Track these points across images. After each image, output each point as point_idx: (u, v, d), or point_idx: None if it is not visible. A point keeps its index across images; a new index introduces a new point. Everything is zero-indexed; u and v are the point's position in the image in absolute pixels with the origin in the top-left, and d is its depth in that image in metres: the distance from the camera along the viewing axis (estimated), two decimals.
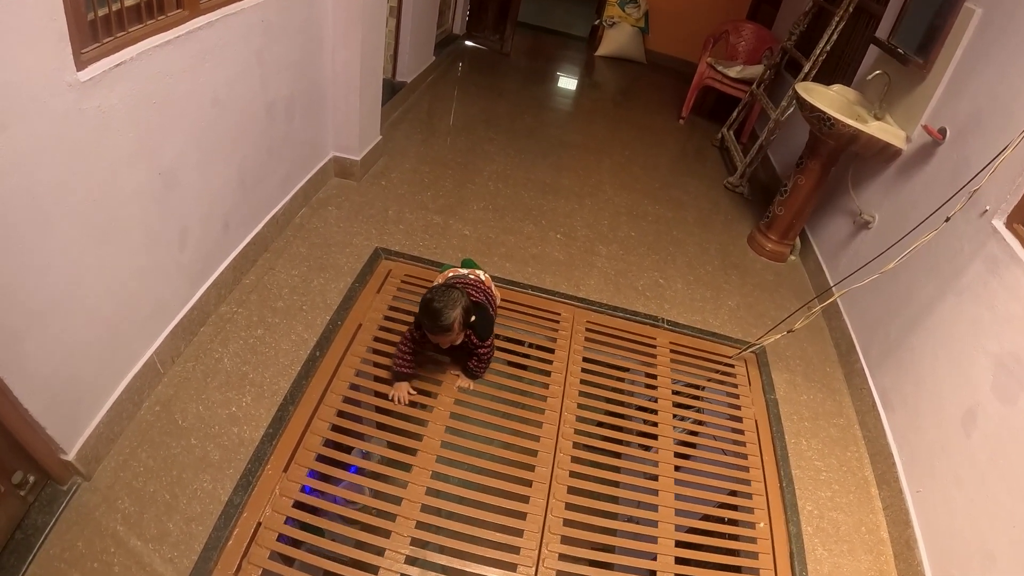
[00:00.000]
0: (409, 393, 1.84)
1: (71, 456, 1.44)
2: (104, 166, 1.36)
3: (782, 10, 4.32)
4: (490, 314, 1.88)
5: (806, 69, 3.06)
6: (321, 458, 1.68)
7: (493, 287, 2.08)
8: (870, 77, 2.56)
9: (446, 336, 1.70)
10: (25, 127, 1.12)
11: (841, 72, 3.20)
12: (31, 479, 1.40)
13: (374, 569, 1.47)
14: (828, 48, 3.00)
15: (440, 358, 1.99)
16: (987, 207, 1.84)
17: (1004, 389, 1.59)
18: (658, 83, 5.15)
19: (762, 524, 1.80)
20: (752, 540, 1.76)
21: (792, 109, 3.16)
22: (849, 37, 3.15)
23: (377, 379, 1.90)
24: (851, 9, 2.87)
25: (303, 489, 1.61)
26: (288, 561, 1.48)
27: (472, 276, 1.99)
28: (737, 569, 1.72)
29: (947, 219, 1.88)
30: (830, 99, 2.68)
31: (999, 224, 1.78)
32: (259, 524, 1.49)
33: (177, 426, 1.66)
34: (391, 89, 3.42)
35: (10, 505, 1.36)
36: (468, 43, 4.80)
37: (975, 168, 1.89)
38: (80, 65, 1.22)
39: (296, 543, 1.51)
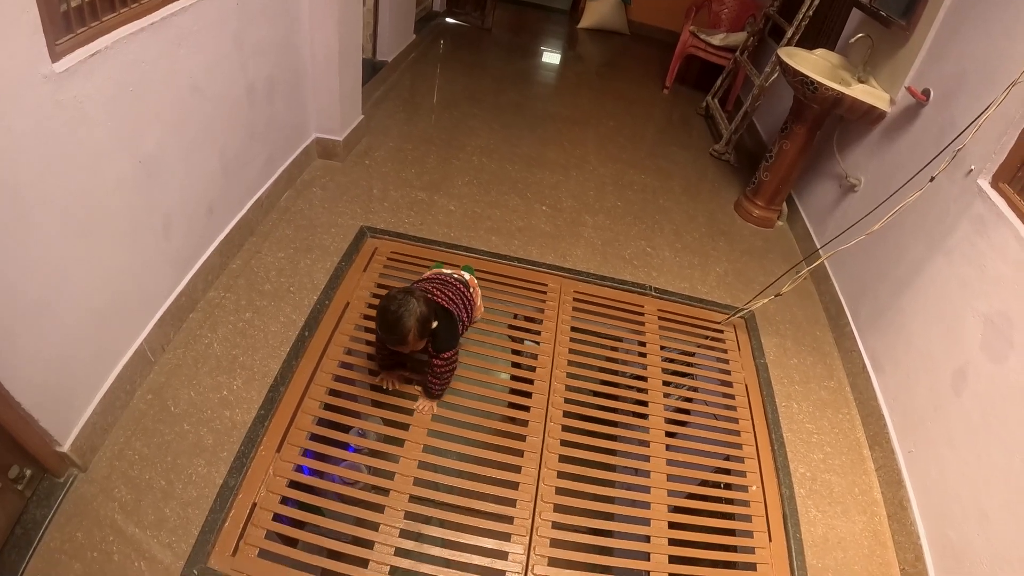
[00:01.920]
0: (399, 379, 1.83)
1: (66, 448, 1.44)
2: (84, 157, 1.35)
3: None
4: (455, 324, 1.71)
5: (789, 34, 3.04)
6: (314, 437, 1.69)
7: (479, 296, 1.99)
8: (853, 40, 2.54)
9: (402, 347, 1.58)
10: (1, 122, 1.10)
11: (825, 37, 3.18)
12: (28, 473, 1.40)
13: (369, 544, 1.48)
14: (811, 13, 2.99)
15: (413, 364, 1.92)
16: (972, 167, 1.84)
17: (993, 348, 1.61)
18: (642, 54, 5.10)
19: (755, 487, 1.82)
20: (745, 503, 1.78)
21: (776, 75, 3.15)
22: (832, 2, 3.12)
23: (369, 357, 1.90)
24: None
25: (300, 469, 1.62)
26: (285, 540, 1.50)
27: (456, 276, 1.90)
28: (731, 532, 1.74)
29: (932, 179, 1.88)
30: (813, 63, 2.66)
31: (984, 184, 1.79)
32: (255, 505, 1.50)
33: (170, 413, 1.66)
34: (372, 68, 3.38)
35: (8, 501, 1.36)
36: (449, 20, 4.73)
37: (960, 128, 1.88)
38: (55, 56, 1.21)
39: (294, 523, 1.52)
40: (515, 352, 2.04)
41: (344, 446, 1.71)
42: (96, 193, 1.42)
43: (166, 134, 1.65)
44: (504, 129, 3.38)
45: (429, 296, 1.66)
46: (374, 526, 1.51)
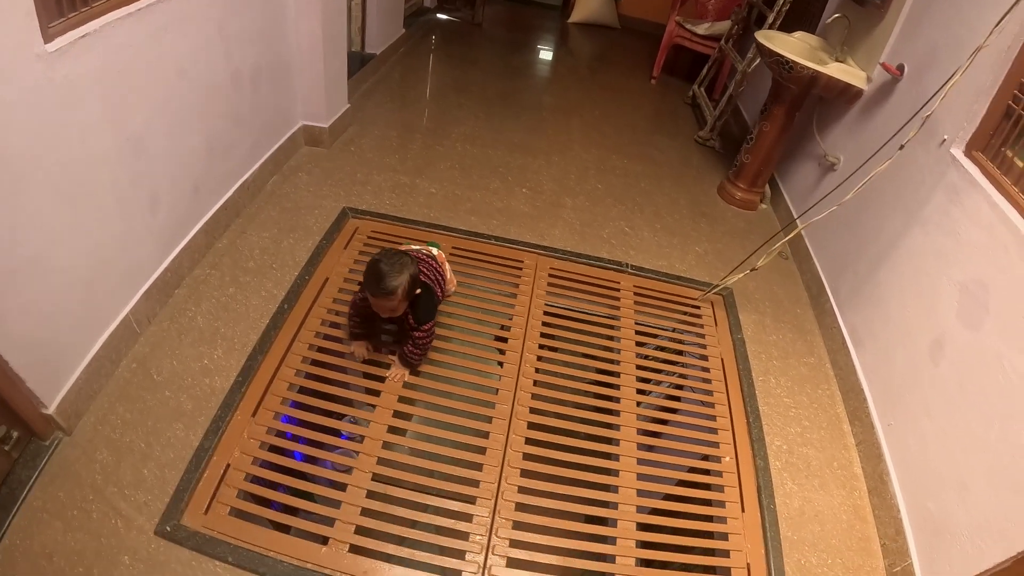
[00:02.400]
0: (368, 349, 1.86)
1: (51, 410, 1.50)
2: (73, 131, 1.43)
3: None
4: (435, 297, 1.77)
5: (770, 19, 3.08)
6: (295, 404, 1.74)
7: (448, 270, 2.02)
8: (829, 20, 2.58)
9: (387, 301, 1.59)
10: None
11: (807, 21, 3.21)
12: (15, 435, 1.45)
13: (336, 504, 1.53)
14: None
15: (385, 336, 1.95)
16: (945, 137, 1.86)
17: (969, 315, 1.61)
18: (631, 47, 5.15)
19: (728, 458, 1.83)
20: (718, 474, 1.78)
21: (759, 61, 3.19)
22: None
23: (343, 327, 1.95)
24: None
25: (284, 434, 1.67)
26: (257, 500, 1.55)
27: (424, 252, 1.91)
28: (707, 503, 1.75)
29: (901, 147, 1.90)
30: (792, 45, 2.70)
31: (958, 153, 1.80)
32: (228, 466, 1.55)
33: (153, 381, 1.72)
34: (360, 61, 3.45)
35: None
36: (440, 16, 4.81)
37: (936, 100, 1.90)
38: (48, 38, 1.29)
39: (268, 485, 1.57)
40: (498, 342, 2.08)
41: (337, 433, 1.71)
42: (84, 167, 1.49)
43: (152, 114, 1.72)
44: (489, 118, 3.43)
45: None
46: (341, 487, 1.56)
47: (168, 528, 1.41)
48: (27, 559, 1.32)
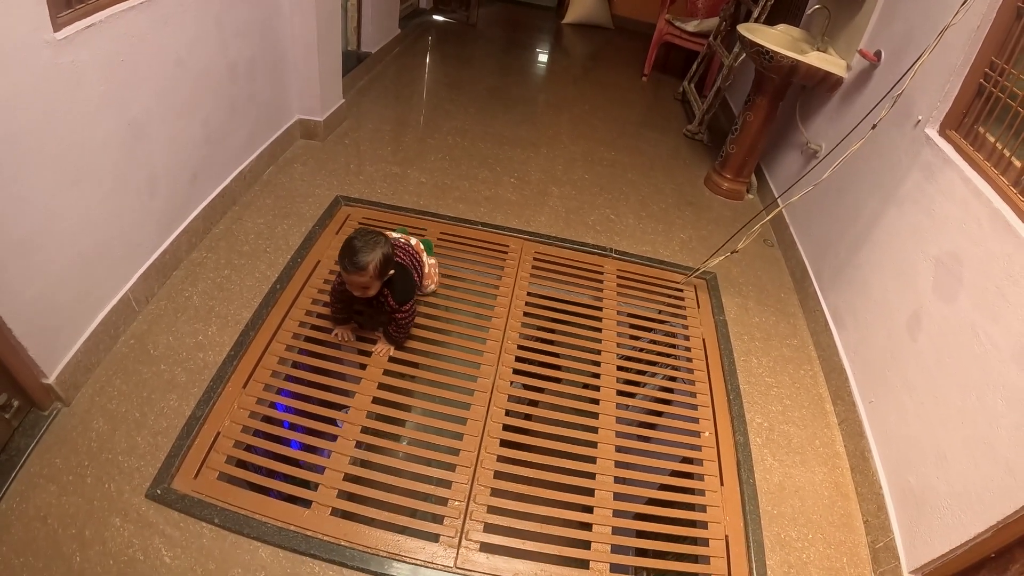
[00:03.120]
0: (353, 330, 1.92)
1: (51, 380, 1.57)
2: (77, 114, 1.51)
3: None
4: (412, 278, 1.83)
5: (756, 14, 3.14)
6: (290, 378, 1.80)
7: (426, 259, 2.05)
8: (810, 11, 2.65)
9: (360, 277, 1.61)
10: (7, 77, 1.27)
11: (792, 14, 3.28)
12: (15, 403, 1.52)
13: (320, 469, 1.59)
14: None
15: (361, 320, 1.98)
16: (920, 117, 1.91)
17: (944, 288, 1.65)
18: (624, 46, 5.23)
19: (707, 434, 1.87)
20: (697, 448, 1.82)
21: (744, 54, 3.25)
22: None
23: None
24: None
25: (275, 405, 1.73)
26: (245, 466, 1.61)
27: (403, 240, 1.96)
28: (686, 475, 1.79)
29: (873, 126, 1.95)
30: (775, 37, 2.76)
31: (932, 132, 1.85)
32: (218, 434, 1.62)
33: (149, 355, 1.79)
34: (356, 59, 3.54)
35: None
36: (436, 17, 4.90)
37: (908, 82, 1.96)
38: (56, 27, 1.38)
39: (258, 451, 1.63)
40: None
41: (332, 422, 1.75)
42: (87, 147, 1.57)
43: (152, 101, 1.81)
44: (480, 112, 3.52)
45: None
46: (326, 453, 1.62)
47: (158, 491, 1.47)
48: (22, 521, 1.38)
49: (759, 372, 2.12)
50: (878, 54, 2.27)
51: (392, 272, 1.69)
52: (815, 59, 2.51)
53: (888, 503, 1.66)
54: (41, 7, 1.33)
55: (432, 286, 2.12)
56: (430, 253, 2.15)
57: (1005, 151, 1.59)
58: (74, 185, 1.55)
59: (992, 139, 1.65)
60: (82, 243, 1.63)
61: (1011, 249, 1.44)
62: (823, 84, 2.56)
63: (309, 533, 1.44)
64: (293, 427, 1.70)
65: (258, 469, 1.61)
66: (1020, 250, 1.41)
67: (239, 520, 1.45)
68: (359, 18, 3.54)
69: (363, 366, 1.85)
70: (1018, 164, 1.54)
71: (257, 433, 1.65)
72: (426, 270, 2.04)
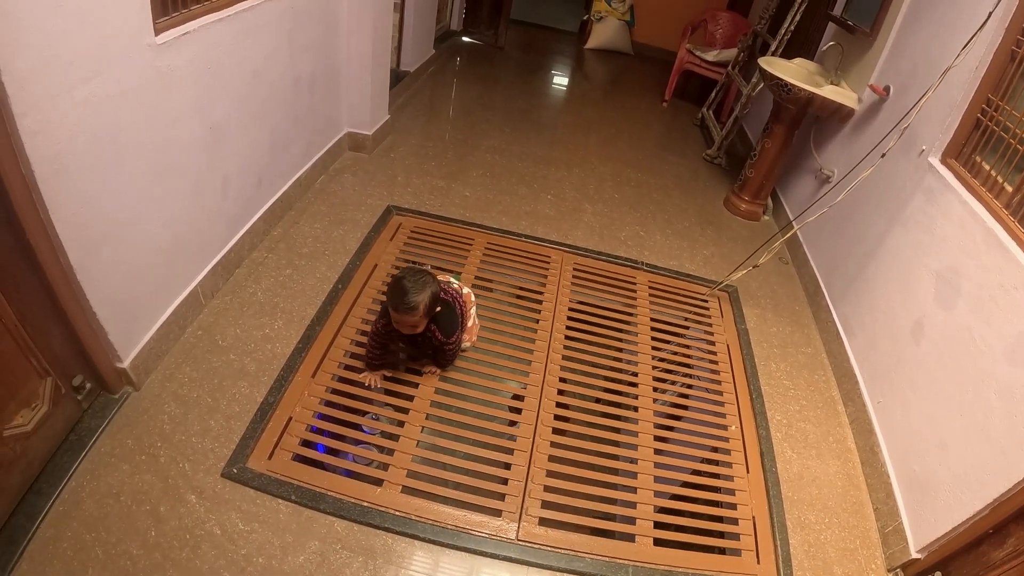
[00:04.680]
0: (382, 377, 1.93)
1: (126, 364, 1.67)
2: (169, 114, 1.66)
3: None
4: (456, 313, 1.85)
5: (773, 47, 3.37)
6: (343, 374, 1.96)
7: (470, 302, 2.05)
8: (824, 48, 2.87)
9: (410, 316, 1.66)
10: (115, 74, 1.41)
11: (807, 49, 3.50)
12: (88, 385, 1.59)
13: (391, 452, 1.74)
14: (792, 28, 3.31)
15: (405, 356, 2.02)
16: (923, 147, 2.11)
17: (944, 298, 1.83)
18: (644, 72, 5.47)
19: (733, 427, 2.05)
20: (724, 440, 1.99)
21: (761, 85, 3.47)
22: (813, 17, 3.46)
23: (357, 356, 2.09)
24: None
25: (310, 428, 1.80)
26: (315, 447, 1.74)
27: (456, 285, 1.99)
28: (714, 463, 1.96)
29: (883, 155, 2.16)
30: (792, 70, 2.98)
31: (935, 161, 2.05)
32: (290, 419, 1.74)
33: (217, 345, 1.91)
34: (396, 77, 3.74)
35: (68, 407, 1.56)
36: (465, 39, 5.13)
37: (914, 115, 2.15)
38: (157, 31, 1.53)
39: (329, 435, 1.76)
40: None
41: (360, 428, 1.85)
42: (175, 147, 1.72)
43: (231, 107, 1.98)
44: (514, 132, 3.72)
45: None
46: (395, 437, 1.77)
47: (235, 470, 1.57)
48: (93, 498, 1.45)
49: (778, 376, 2.30)
50: (887, 89, 2.48)
51: (439, 309, 1.75)
52: (829, 92, 2.72)
53: (896, 491, 1.83)
54: (145, 12, 1.46)
55: (468, 344, 2.07)
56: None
57: (998, 178, 1.79)
58: (161, 183, 1.69)
59: (987, 167, 1.85)
60: (163, 236, 1.76)
61: (1002, 262, 1.64)
62: (836, 115, 2.77)
63: (382, 508, 1.56)
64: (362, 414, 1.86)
65: (331, 452, 1.76)
66: (1010, 263, 1.61)
67: (314, 496, 1.55)
68: (399, 38, 3.75)
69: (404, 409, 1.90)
70: (1009, 189, 1.74)
71: (326, 419, 1.79)
72: (469, 323, 2.04)
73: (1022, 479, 1.40)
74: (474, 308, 2.07)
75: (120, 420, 1.65)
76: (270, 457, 1.64)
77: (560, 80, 5.07)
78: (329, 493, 1.58)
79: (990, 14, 1.86)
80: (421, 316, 1.66)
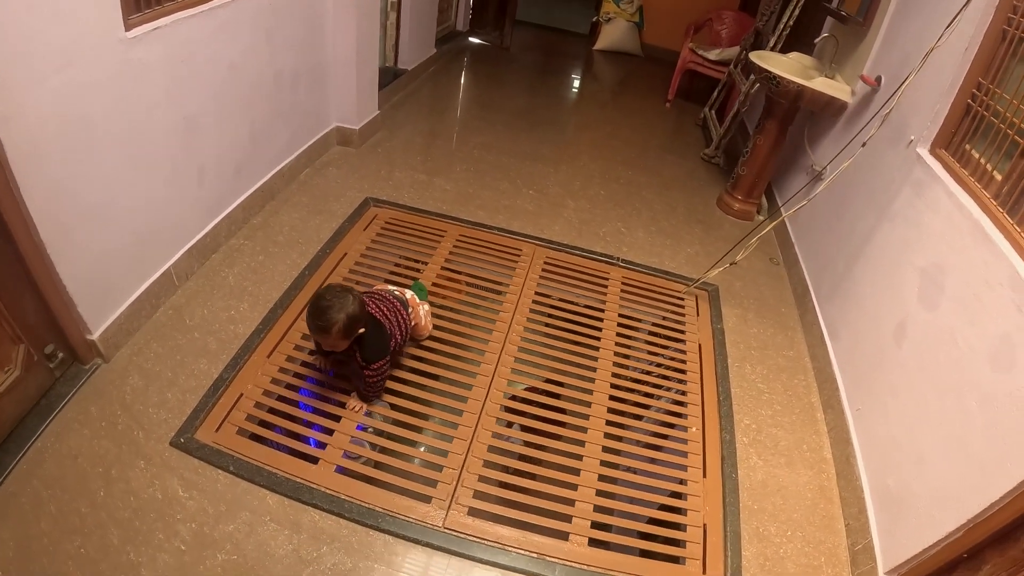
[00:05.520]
0: (334, 360, 1.89)
1: (95, 336, 1.77)
2: (141, 105, 1.75)
3: None
4: (383, 335, 1.73)
5: (771, 43, 3.29)
6: (299, 356, 1.99)
7: (423, 314, 2.00)
8: (818, 40, 2.78)
9: (323, 337, 1.60)
10: (86, 65, 1.51)
11: (807, 44, 3.41)
12: (60, 355, 1.70)
13: (336, 418, 1.77)
14: (791, 23, 3.23)
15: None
16: (912, 137, 2.01)
17: (928, 297, 1.73)
18: (652, 73, 5.41)
19: (694, 429, 1.97)
20: (683, 441, 1.92)
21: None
22: (813, 13, 3.36)
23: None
24: None
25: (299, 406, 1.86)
26: (263, 425, 1.77)
27: (397, 293, 1.92)
28: (669, 464, 1.87)
29: (863, 144, 2.08)
30: (786, 64, 2.90)
31: (923, 152, 1.95)
32: (241, 395, 1.79)
33: (185, 324, 2.00)
34: (393, 75, 3.81)
35: (40, 374, 1.66)
36: (472, 39, 5.18)
37: (903, 104, 2.06)
38: (128, 27, 1.62)
39: (275, 413, 1.79)
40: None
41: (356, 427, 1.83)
42: (148, 136, 1.81)
43: (207, 100, 2.05)
44: (506, 130, 3.73)
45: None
46: (336, 418, 1.79)
47: (182, 440, 1.63)
48: (55, 459, 1.55)
49: (752, 378, 2.21)
50: (879, 79, 2.39)
51: (362, 331, 1.64)
52: (820, 84, 2.63)
53: (868, 506, 1.71)
54: (115, 9, 1.56)
55: (425, 333, 2.05)
56: (423, 298, 2.08)
57: (988, 166, 1.68)
58: (133, 169, 1.78)
59: (977, 155, 1.74)
60: (135, 219, 1.85)
61: (989, 257, 1.52)
62: (828, 108, 2.68)
63: (313, 485, 1.59)
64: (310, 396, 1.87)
65: (274, 428, 1.78)
66: (997, 257, 1.49)
67: (252, 469, 1.60)
68: (397, 36, 3.80)
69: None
70: (999, 177, 1.63)
71: (276, 397, 1.82)
72: (423, 321, 2.00)
73: (1000, 499, 1.27)
74: (424, 306, 2.05)
75: (88, 389, 1.75)
76: (217, 430, 1.70)
77: (563, 80, 5.06)
78: (266, 467, 1.62)
79: None
80: (335, 338, 1.58)
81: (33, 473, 1.51)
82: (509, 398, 1.96)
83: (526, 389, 2.04)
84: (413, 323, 1.95)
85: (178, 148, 1.97)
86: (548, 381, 2.04)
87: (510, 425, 1.99)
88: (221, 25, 2.02)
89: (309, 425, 1.79)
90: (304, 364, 1.94)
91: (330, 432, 1.74)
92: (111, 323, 1.83)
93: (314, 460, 1.66)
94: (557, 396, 1.99)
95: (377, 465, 1.70)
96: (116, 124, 1.66)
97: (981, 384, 1.44)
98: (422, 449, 1.77)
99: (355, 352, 1.69)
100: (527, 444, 1.81)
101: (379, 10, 3.03)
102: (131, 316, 1.91)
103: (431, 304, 2.16)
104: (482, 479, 1.68)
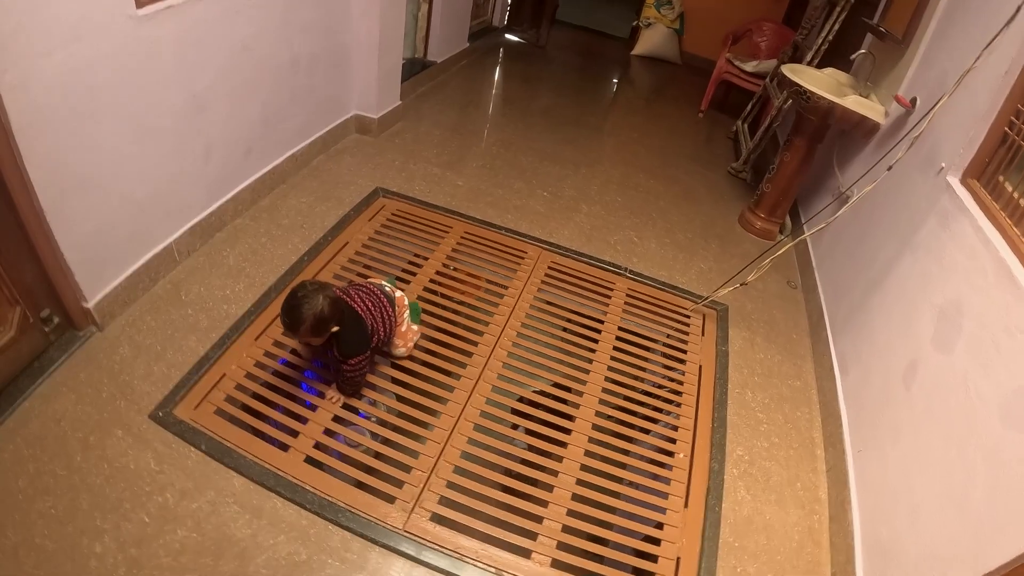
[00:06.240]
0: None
1: (90, 305, 1.80)
2: (149, 82, 1.76)
3: (808, 11, 4.38)
4: (363, 332, 1.70)
5: (808, 58, 3.16)
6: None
7: (407, 318, 1.94)
8: (854, 56, 2.65)
9: (292, 334, 1.61)
10: (94, 40, 1.53)
11: (845, 61, 3.26)
12: (56, 319, 1.74)
13: (313, 407, 1.75)
14: (830, 37, 3.09)
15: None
16: (943, 164, 1.88)
17: (943, 339, 1.61)
18: (688, 82, 5.27)
19: (682, 455, 1.87)
20: (667, 467, 1.83)
21: None
22: (853, 28, 3.21)
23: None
24: (852, 0, 2.96)
25: (280, 361, 1.90)
26: (242, 408, 1.76)
27: (387, 289, 1.87)
28: (654, 491, 1.78)
29: (889, 168, 1.96)
30: (819, 80, 2.77)
31: (954, 180, 1.82)
32: (224, 375, 1.79)
33: (180, 300, 2.01)
34: (421, 66, 3.79)
35: (34, 336, 1.70)
36: (508, 36, 5.13)
37: (936, 128, 1.93)
38: (139, 4, 1.64)
39: (255, 396, 1.78)
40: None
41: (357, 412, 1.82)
42: (153, 111, 1.82)
43: (216, 79, 2.05)
44: (528, 128, 3.67)
45: (344, 299, 1.68)
46: (314, 408, 1.77)
47: (160, 414, 1.65)
48: (40, 420, 1.59)
49: (752, 406, 2.11)
50: (913, 101, 2.25)
51: (335, 328, 1.61)
52: (852, 103, 2.50)
53: (857, 555, 1.60)
54: None
55: (403, 350, 1.94)
56: (415, 319, 2.00)
57: (1021, 200, 1.54)
58: (138, 142, 1.79)
59: (1010, 188, 1.61)
60: (138, 192, 1.86)
61: (1011, 300, 1.40)
62: (860, 128, 2.55)
63: (280, 472, 1.57)
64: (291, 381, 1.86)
65: (254, 412, 1.77)
66: (1020, 301, 1.37)
67: (222, 450, 1.60)
68: (428, 28, 3.78)
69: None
70: None
71: (258, 381, 1.81)
72: (402, 328, 1.92)
73: (994, 570, 1.16)
74: (414, 327, 1.98)
75: (80, 355, 1.78)
76: (196, 407, 1.70)
77: (595, 83, 4.95)
78: (236, 449, 1.61)
79: (1020, 8, 1.63)
80: (304, 335, 1.57)
81: (17, 431, 1.55)
82: (517, 399, 1.92)
83: (535, 392, 1.99)
84: (397, 323, 1.90)
85: (185, 126, 1.98)
86: (537, 391, 1.98)
87: (516, 427, 1.94)
88: (236, 8, 2.03)
89: (288, 413, 1.78)
90: (293, 352, 1.94)
91: (304, 421, 1.73)
92: (108, 292, 1.85)
93: (285, 447, 1.65)
94: (541, 407, 1.93)
95: (344, 458, 1.67)
96: (122, 99, 1.68)
97: (989, 439, 1.33)
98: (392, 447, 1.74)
99: (330, 346, 1.68)
100: (501, 453, 1.75)
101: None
102: (129, 287, 1.93)
103: (422, 324, 2.07)
104: (451, 485, 1.63)
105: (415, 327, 1.99)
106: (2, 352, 1.61)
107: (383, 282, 1.96)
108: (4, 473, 1.46)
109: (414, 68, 3.67)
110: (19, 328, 1.65)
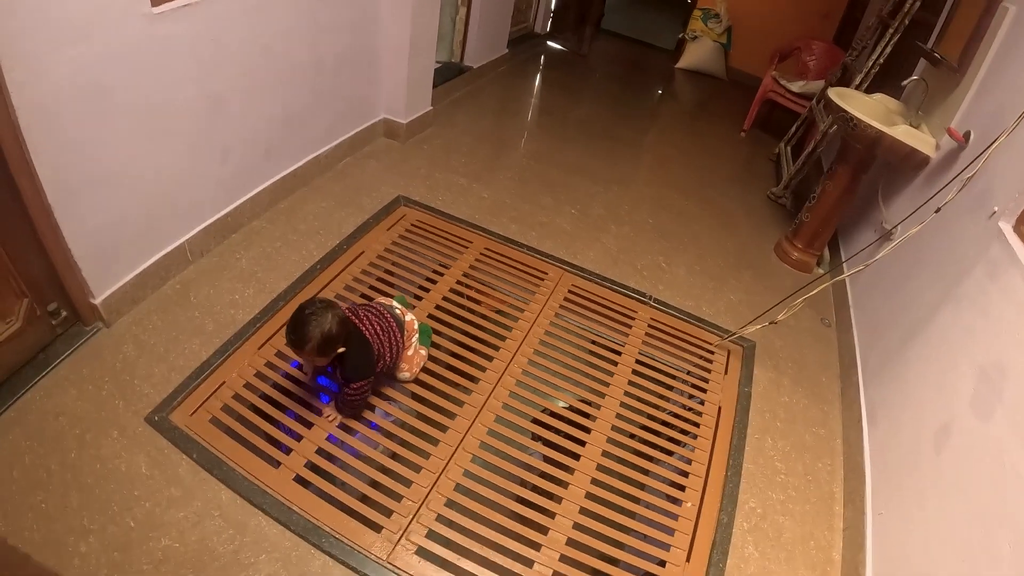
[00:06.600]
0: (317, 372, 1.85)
1: (98, 301, 1.80)
2: (164, 80, 1.74)
3: (860, 31, 4.17)
4: (369, 355, 1.63)
5: (857, 81, 2.98)
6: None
7: (413, 330, 1.87)
8: (905, 83, 2.48)
9: (297, 352, 1.54)
10: (106, 38, 1.52)
11: (896, 87, 3.07)
12: (63, 313, 1.76)
13: (299, 437, 1.69)
14: (881, 61, 2.91)
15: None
16: (995, 208, 1.73)
17: (982, 403, 1.48)
18: (733, 99, 5.07)
19: (690, 504, 1.76)
20: (673, 516, 1.72)
21: None
22: (906, 52, 3.02)
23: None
24: (907, 22, 2.78)
25: (292, 363, 1.87)
26: (239, 419, 1.72)
27: (398, 312, 1.82)
28: (652, 541, 1.68)
29: (937, 210, 1.81)
30: (868, 106, 2.61)
31: (1006, 227, 1.67)
32: (223, 383, 1.77)
33: (189, 301, 2.00)
34: (458, 71, 3.73)
35: (41, 328, 1.71)
36: (550, 43, 5.04)
37: (990, 169, 1.78)
38: (155, 3, 1.62)
39: (251, 407, 1.75)
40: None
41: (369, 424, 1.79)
42: (167, 109, 1.80)
43: (235, 79, 2.03)
44: (561, 140, 3.57)
45: (353, 320, 1.62)
46: (308, 424, 1.72)
47: (156, 418, 1.64)
48: (39, 413, 1.60)
49: (771, 454, 1.97)
50: (967, 135, 2.08)
51: (341, 349, 1.56)
52: (901, 133, 2.33)
53: None
54: None
55: (407, 374, 1.87)
56: (425, 341, 1.94)
57: None
58: (151, 140, 1.78)
59: None
60: (150, 191, 1.85)
61: None
62: (908, 161, 2.37)
63: (268, 490, 1.54)
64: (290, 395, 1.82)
65: (248, 424, 1.73)
66: None
67: (213, 461, 1.57)
68: (465, 32, 3.72)
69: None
70: None
71: (257, 392, 1.78)
72: (409, 352, 1.86)
73: None
74: (422, 350, 1.91)
75: (85, 350, 1.79)
76: (192, 414, 1.68)
77: (635, 96, 4.81)
78: (227, 461, 1.59)
79: None
80: (309, 354, 1.51)
81: (17, 422, 1.56)
82: (542, 411, 1.87)
83: (543, 411, 1.92)
84: (404, 347, 1.83)
85: (201, 125, 1.96)
86: (534, 422, 1.89)
87: (536, 438, 1.88)
88: (258, 6, 1.99)
89: (284, 428, 1.74)
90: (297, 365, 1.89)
91: (299, 438, 1.68)
92: (116, 289, 1.85)
93: (276, 464, 1.61)
94: (551, 428, 1.85)
95: (335, 481, 1.62)
96: (134, 96, 1.66)
97: (1019, 523, 1.20)
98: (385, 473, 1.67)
99: (337, 366, 1.64)
100: (498, 489, 1.67)
101: (443, 1, 2.94)
102: (138, 285, 1.92)
103: (432, 346, 2.01)
104: (440, 519, 1.56)
105: (423, 351, 1.92)
106: (7, 343, 1.63)
107: (393, 303, 1.89)
108: (1, 462, 1.48)
109: (449, 73, 3.62)
110: (26, 319, 1.67)
